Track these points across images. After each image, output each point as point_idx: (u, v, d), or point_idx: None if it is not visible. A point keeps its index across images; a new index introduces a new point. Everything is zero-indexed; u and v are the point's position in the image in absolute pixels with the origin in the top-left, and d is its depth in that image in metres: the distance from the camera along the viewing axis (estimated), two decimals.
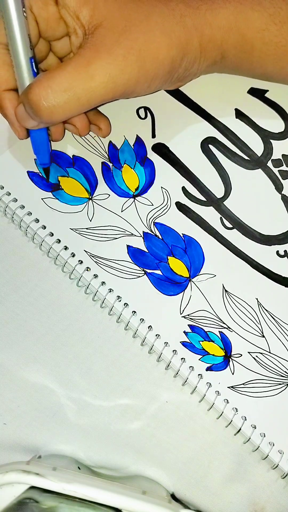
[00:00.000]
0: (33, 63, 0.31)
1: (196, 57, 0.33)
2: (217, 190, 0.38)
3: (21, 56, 0.31)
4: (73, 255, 0.36)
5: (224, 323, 0.35)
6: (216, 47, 0.34)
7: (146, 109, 0.39)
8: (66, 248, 0.36)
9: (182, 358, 0.34)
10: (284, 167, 0.38)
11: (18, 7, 0.30)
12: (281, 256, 0.37)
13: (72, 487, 0.26)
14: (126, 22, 0.31)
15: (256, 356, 0.35)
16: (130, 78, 0.31)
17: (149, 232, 0.37)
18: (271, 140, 0.39)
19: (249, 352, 0.35)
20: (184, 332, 0.35)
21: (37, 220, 0.36)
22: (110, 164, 0.38)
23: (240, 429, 0.33)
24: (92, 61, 0.30)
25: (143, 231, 0.37)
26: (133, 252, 0.36)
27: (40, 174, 0.37)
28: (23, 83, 0.32)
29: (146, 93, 0.34)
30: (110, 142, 0.38)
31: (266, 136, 0.39)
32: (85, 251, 0.36)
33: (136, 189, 0.38)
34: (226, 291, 0.36)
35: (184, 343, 0.35)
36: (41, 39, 0.33)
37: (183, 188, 0.38)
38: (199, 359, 0.35)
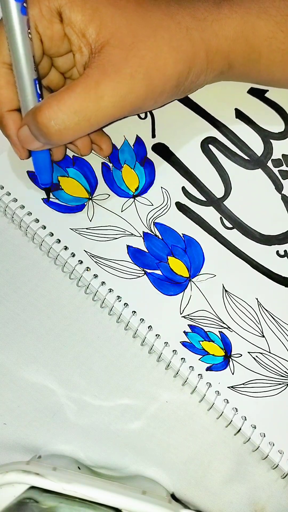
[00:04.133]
0: (37, 85, 0.31)
1: (203, 69, 0.33)
2: (217, 190, 0.38)
3: (25, 78, 0.30)
4: (73, 255, 0.36)
5: (224, 323, 0.35)
6: (223, 57, 0.34)
7: None
8: (66, 248, 0.36)
9: (182, 358, 0.34)
10: (284, 167, 0.38)
11: (23, 28, 0.29)
12: (281, 256, 0.37)
13: (72, 487, 0.26)
14: (133, 38, 0.30)
15: (256, 356, 0.35)
16: (138, 96, 0.30)
17: (149, 232, 0.37)
18: (271, 140, 0.39)
19: (249, 352, 0.35)
20: (184, 332, 0.35)
21: (37, 220, 0.36)
22: (110, 164, 0.38)
23: (240, 429, 0.33)
24: (101, 81, 0.29)
25: (143, 231, 0.37)
26: (133, 252, 0.36)
27: None
28: (27, 105, 0.31)
29: (152, 108, 0.34)
30: None
31: (266, 136, 0.39)
32: (85, 251, 0.36)
33: (136, 189, 0.38)
34: (226, 291, 0.36)
35: (184, 343, 0.35)
36: (44, 56, 0.33)
37: (183, 188, 0.38)
38: (199, 359, 0.35)
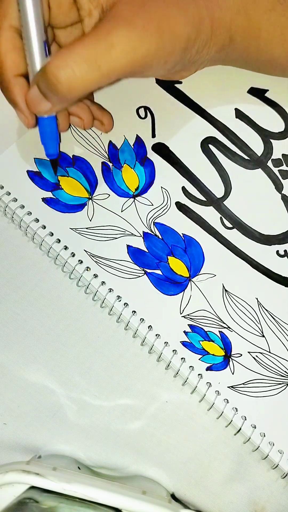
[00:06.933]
0: (46, 48, 0.30)
1: (208, 38, 0.33)
2: (217, 190, 0.38)
3: (34, 40, 0.30)
4: (73, 255, 0.36)
5: (224, 323, 0.35)
6: (225, 29, 0.34)
7: (146, 108, 0.39)
8: (66, 248, 0.36)
9: (182, 358, 0.34)
10: (284, 167, 0.38)
11: None
12: (281, 256, 0.37)
13: (72, 487, 0.26)
14: None
15: (256, 356, 0.35)
16: (149, 48, 0.30)
17: (149, 232, 0.37)
18: (271, 140, 0.39)
19: (249, 352, 0.35)
20: (184, 332, 0.35)
21: (37, 220, 0.36)
22: (110, 164, 0.38)
23: (240, 429, 0.33)
24: (113, 30, 0.29)
25: (143, 231, 0.37)
26: (133, 252, 0.36)
27: (40, 173, 0.37)
28: (36, 67, 0.30)
29: (162, 70, 0.33)
30: (110, 142, 0.38)
31: (266, 136, 0.39)
32: (85, 251, 0.36)
33: (136, 189, 0.38)
34: (226, 291, 0.36)
35: (184, 343, 0.35)
36: (48, 27, 0.33)
37: (183, 188, 0.38)
38: (199, 359, 0.35)
